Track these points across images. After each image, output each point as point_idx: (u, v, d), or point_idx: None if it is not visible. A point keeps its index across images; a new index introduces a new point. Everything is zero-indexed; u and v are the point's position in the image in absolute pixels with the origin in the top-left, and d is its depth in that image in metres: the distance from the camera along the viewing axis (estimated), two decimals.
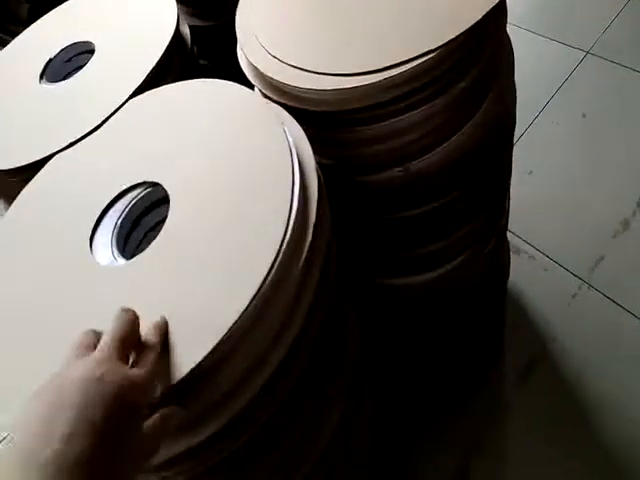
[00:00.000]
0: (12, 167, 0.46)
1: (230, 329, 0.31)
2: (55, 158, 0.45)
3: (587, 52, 1.39)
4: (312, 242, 0.37)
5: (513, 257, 0.96)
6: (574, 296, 1.00)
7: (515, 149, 0.70)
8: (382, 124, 0.50)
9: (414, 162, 0.52)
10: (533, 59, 1.37)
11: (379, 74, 0.46)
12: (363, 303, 0.60)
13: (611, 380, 0.91)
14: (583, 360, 0.93)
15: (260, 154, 0.40)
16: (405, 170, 0.52)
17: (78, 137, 0.45)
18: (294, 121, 0.45)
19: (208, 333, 0.31)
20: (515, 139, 0.77)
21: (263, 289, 0.32)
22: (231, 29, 0.57)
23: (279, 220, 0.35)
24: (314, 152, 0.47)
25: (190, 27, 0.65)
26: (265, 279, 0.32)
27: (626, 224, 1.07)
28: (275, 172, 0.38)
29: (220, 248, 0.35)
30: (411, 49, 0.46)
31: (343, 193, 0.52)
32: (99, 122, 0.46)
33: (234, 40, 0.57)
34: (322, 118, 0.49)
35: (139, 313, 0.32)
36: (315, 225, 0.37)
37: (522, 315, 0.98)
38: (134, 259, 0.37)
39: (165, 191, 0.39)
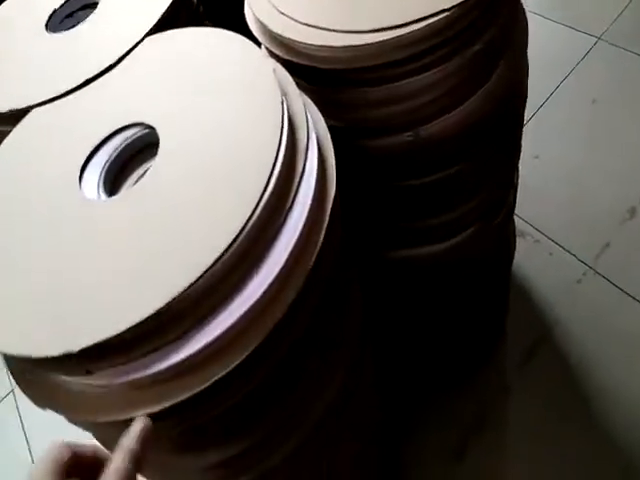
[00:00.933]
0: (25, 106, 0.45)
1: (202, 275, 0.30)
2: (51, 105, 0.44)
3: (599, 38, 1.36)
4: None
5: (518, 240, 0.94)
6: (579, 281, 0.99)
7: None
8: (393, 85, 0.48)
9: (424, 127, 0.51)
10: (544, 43, 1.34)
11: (392, 31, 0.44)
12: (369, 275, 0.59)
13: (613, 365, 0.90)
14: (586, 344, 0.92)
15: (254, 109, 0.39)
16: (415, 135, 0.51)
17: (81, 82, 0.44)
18: (289, 76, 0.44)
19: (180, 274, 0.30)
20: None
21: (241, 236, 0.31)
22: None
23: (262, 173, 0.34)
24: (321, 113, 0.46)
25: None
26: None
27: (633, 212, 1.06)
28: (264, 127, 0.38)
29: (203, 194, 0.35)
30: (426, 7, 0.44)
31: (349, 158, 0.51)
32: (102, 69, 0.45)
33: (241, 1, 0.55)
34: (330, 76, 0.48)
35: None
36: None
37: (526, 298, 0.97)
38: (119, 195, 0.37)
39: (157, 135, 0.39)
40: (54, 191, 0.38)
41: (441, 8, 0.45)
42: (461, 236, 0.65)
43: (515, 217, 0.86)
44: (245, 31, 0.54)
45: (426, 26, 0.44)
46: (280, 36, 0.48)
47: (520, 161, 0.72)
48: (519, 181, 0.75)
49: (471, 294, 0.74)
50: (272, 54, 0.50)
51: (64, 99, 0.44)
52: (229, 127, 0.39)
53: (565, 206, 1.08)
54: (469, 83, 0.51)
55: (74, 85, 0.45)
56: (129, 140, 0.41)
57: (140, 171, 0.41)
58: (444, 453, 0.86)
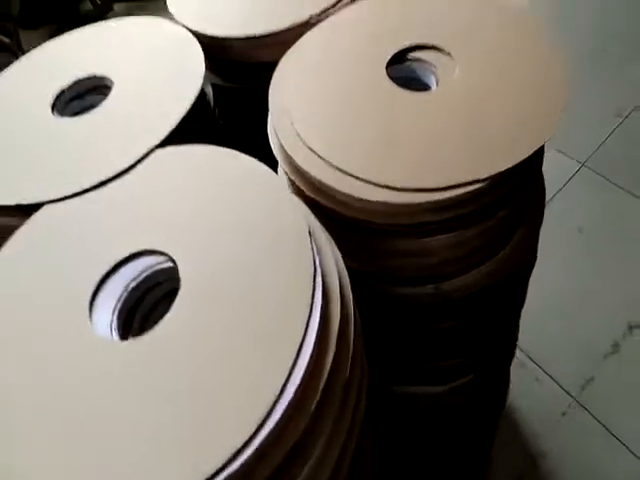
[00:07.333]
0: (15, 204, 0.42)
1: None
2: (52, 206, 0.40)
3: (582, 164, 1.41)
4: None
5: None
6: (564, 414, 0.96)
7: None
8: (418, 240, 0.46)
9: (446, 282, 0.48)
10: None
11: (429, 194, 0.42)
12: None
13: None
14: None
15: (284, 257, 0.36)
16: (436, 288, 0.48)
17: (88, 186, 0.42)
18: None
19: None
20: None
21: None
22: (255, 94, 0.53)
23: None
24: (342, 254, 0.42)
25: (212, 85, 0.61)
26: None
27: (616, 346, 1.05)
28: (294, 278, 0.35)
29: (231, 344, 0.32)
30: (461, 171, 0.43)
31: (367, 300, 0.48)
32: (113, 174, 0.42)
33: (256, 105, 0.53)
34: (355, 225, 0.45)
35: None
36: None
37: (513, 425, 0.93)
38: (136, 339, 0.33)
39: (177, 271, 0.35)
40: (61, 322, 0.34)
41: (476, 177, 0.43)
42: (461, 380, 0.62)
43: None
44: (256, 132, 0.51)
45: (465, 192, 0.42)
46: (315, 179, 0.45)
47: None
48: None
49: (464, 430, 0.70)
50: (293, 184, 0.48)
51: (74, 202, 0.40)
52: (256, 273, 0.35)
53: (550, 333, 1.07)
54: (491, 246, 0.50)
55: (84, 187, 0.41)
56: (148, 272, 0.37)
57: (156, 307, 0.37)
58: None
